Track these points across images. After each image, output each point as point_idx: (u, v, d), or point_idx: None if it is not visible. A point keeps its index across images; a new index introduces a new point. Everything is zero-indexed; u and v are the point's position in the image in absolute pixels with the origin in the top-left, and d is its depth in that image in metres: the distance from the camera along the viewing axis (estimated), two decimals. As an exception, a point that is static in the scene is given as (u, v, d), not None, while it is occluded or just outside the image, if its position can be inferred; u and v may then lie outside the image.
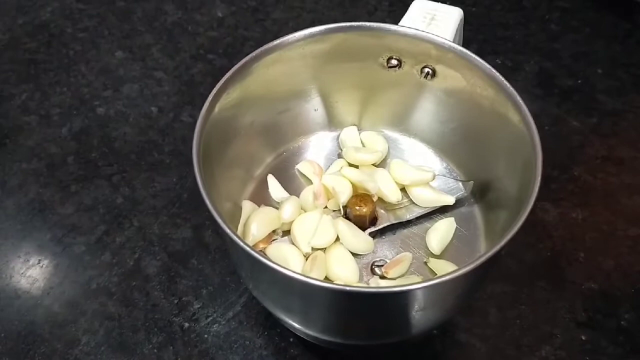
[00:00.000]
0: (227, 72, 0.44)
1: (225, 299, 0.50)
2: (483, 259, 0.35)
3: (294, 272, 0.35)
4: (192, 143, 0.41)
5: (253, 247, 0.44)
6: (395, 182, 0.49)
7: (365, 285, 0.44)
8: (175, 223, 0.55)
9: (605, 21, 0.70)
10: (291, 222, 0.46)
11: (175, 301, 0.50)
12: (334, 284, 0.36)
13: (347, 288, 0.35)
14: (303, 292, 0.37)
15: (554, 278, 0.51)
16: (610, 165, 0.58)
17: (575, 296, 0.50)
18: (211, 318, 0.49)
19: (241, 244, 0.36)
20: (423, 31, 0.46)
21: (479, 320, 0.48)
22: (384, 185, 0.48)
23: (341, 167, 0.49)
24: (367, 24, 0.46)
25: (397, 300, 0.36)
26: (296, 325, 0.43)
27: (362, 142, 0.52)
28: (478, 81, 0.44)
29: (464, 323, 0.48)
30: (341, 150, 0.52)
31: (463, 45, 0.46)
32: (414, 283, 0.34)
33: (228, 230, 0.37)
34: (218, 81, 0.44)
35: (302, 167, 0.50)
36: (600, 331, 0.48)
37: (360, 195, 0.47)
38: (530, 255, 0.52)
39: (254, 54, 0.45)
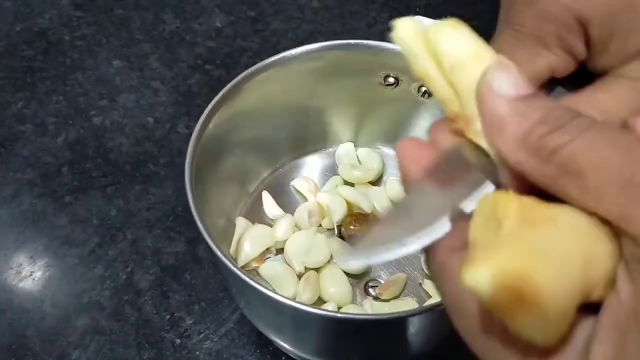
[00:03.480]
0: (224, 83, 0.44)
1: (218, 316, 0.50)
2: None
3: (284, 297, 0.34)
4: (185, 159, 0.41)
5: (246, 267, 0.44)
6: (391, 201, 0.48)
7: (358, 306, 0.44)
8: (169, 236, 0.54)
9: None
10: (285, 241, 0.46)
11: (167, 317, 0.50)
12: (325, 310, 0.36)
13: (338, 315, 0.34)
14: (294, 317, 0.37)
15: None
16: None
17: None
18: (203, 335, 0.49)
19: (232, 267, 0.36)
20: (421, 50, 0.45)
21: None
22: (379, 204, 0.48)
23: (336, 185, 0.49)
24: (365, 42, 0.46)
25: (389, 327, 0.36)
26: (287, 347, 0.43)
27: (358, 158, 0.52)
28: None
29: (459, 342, 0.48)
30: (337, 166, 0.51)
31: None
32: (406, 311, 0.34)
33: (219, 253, 0.36)
34: (215, 92, 0.43)
35: (297, 184, 0.50)
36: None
37: (355, 215, 0.47)
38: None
39: (250, 70, 0.44)
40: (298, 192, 0.50)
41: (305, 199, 0.49)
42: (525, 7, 0.27)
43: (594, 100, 0.25)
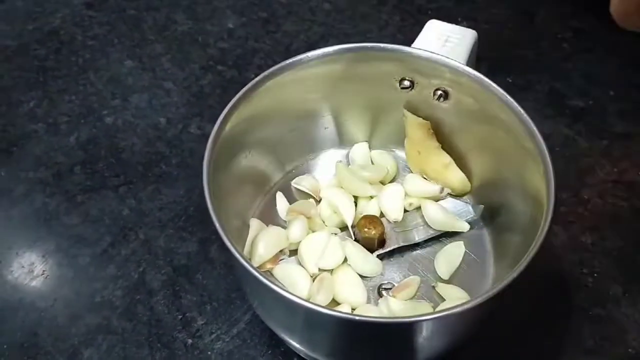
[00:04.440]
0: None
1: (230, 316, 0.50)
2: (494, 291, 0.34)
3: (299, 297, 0.34)
4: (203, 159, 0.41)
5: (259, 268, 0.44)
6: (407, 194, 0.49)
7: (374, 306, 0.44)
8: (181, 236, 0.54)
9: (619, 42, 0.69)
10: (299, 242, 0.46)
11: (179, 317, 0.50)
12: (340, 312, 0.36)
13: (355, 317, 0.34)
14: (308, 317, 0.37)
15: (561, 303, 0.50)
16: (621, 189, 0.57)
17: (582, 322, 0.49)
18: (215, 335, 0.49)
19: (248, 266, 0.36)
20: (437, 54, 0.45)
21: (485, 345, 0.48)
22: (388, 203, 0.48)
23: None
24: (381, 45, 0.46)
25: (405, 330, 0.36)
26: (299, 347, 0.43)
27: (371, 160, 0.52)
28: (492, 106, 0.44)
29: (470, 348, 0.48)
30: (350, 166, 0.51)
31: (475, 63, 0.46)
32: (422, 314, 0.34)
33: (235, 252, 0.36)
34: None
35: (299, 182, 0.50)
36: (607, 358, 0.47)
37: (369, 217, 0.47)
38: (538, 278, 0.51)
39: (266, 72, 0.45)
40: (300, 191, 0.50)
41: (310, 197, 0.50)
42: None
43: None
